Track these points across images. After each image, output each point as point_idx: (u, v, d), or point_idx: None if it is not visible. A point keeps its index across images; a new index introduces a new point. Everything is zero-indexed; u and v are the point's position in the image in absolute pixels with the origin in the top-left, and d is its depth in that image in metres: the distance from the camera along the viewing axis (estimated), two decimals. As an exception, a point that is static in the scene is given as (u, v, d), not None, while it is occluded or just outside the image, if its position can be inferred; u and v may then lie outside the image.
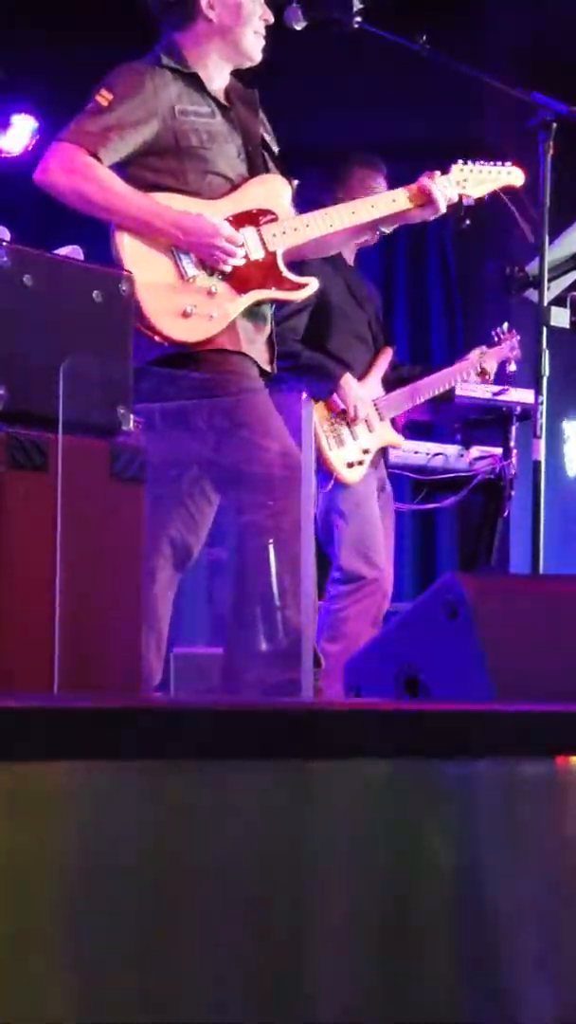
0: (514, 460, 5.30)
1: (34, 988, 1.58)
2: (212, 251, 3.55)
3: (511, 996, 1.87)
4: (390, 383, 4.89)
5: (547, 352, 3.81)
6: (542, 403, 3.80)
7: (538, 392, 3.81)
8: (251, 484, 3.54)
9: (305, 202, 3.90)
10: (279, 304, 4.14)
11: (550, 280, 3.87)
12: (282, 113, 3.89)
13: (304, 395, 3.75)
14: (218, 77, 3.73)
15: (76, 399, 2.88)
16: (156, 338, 3.50)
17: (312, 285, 3.75)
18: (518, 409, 5.31)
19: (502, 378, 5.29)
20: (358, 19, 3.77)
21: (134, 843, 1.73)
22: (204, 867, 1.74)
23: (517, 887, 1.93)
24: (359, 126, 6.56)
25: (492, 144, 5.91)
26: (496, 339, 5.22)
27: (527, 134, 3.88)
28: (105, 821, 1.72)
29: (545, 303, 3.83)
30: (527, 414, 5.09)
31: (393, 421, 4.90)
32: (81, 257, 3.26)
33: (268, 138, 3.81)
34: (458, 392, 5.28)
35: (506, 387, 5.38)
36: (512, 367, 5.18)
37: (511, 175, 4.04)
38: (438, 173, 3.89)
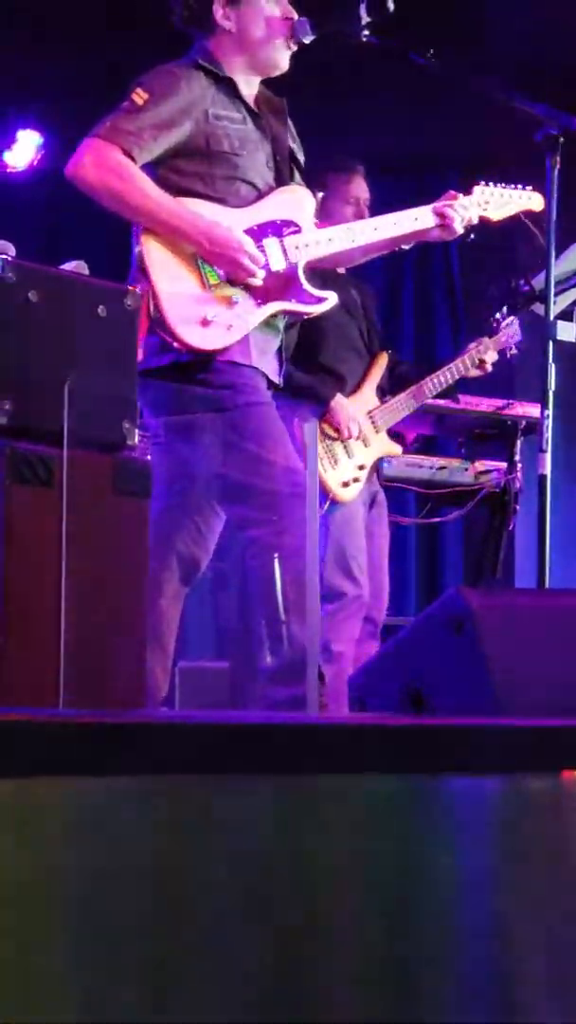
0: (519, 474, 5.29)
1: (40, 1001, 1.58)
2: (234, 266, 3.55)
3: (517, 1011, 1.86)
4: (390, 387, 4.88)
5: (553, 366, 3.80)
6: (548, 417, 3.79)
7: (544, 406, 3.80)
8: (256, 499, 3.53)
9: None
10: None
11: (556, 294, 3.87)
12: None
13: (309, 421, 3.76)
14: (248, 85, 3.74)
15: (81, 414, 2.88)
16: (175, 344, 3.50)
17: (331, 300, 3.75)
18: (523, 423, 5.31)
19: (505, 368, 5.24)
20: (365, 32, 3.78)
21: (139, 858, 1.72)
22: (209, 882, 1.73)
23: (522, 902, 1.92)
24: (364, 140, 6.57)
25: (498, 158, 5.91)
26: (494, 326, 5.15)
27: (534, 148, 3.88)
28: (111, 836, 1.72)
29: (551, 317, 3.82)
30: (532, 428, 5.09)
31: (401, 437, 4.90)
32: (86, 272, 3.26)
33: (295, 147, 3.83)
34: (463, 405, 5.27)
35: (511, 400, 5.38)
36: (513, 351, 5.11)
37: (532, 200, 4.05)
38: (460, 195, 3.90)
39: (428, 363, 5.36)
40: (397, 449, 4.89)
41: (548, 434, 3.78)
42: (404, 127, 6.54)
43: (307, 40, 3.73)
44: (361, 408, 4.74)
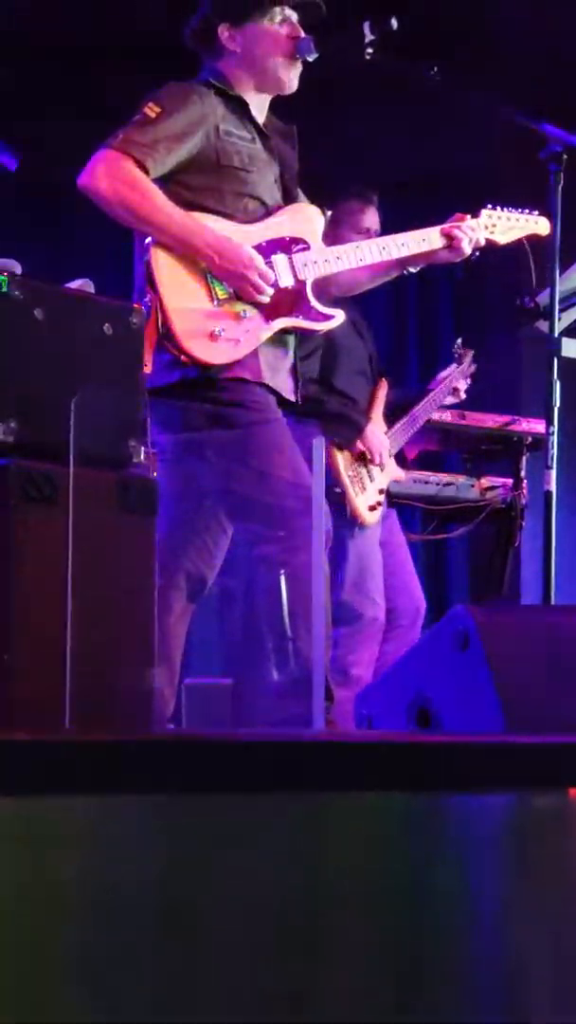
0: (525, 490, 5.30)
1: (46, 1017, 1.58)
2: (243, 282, 3.55)
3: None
4: (389, 413, 4.91)
5: (558, 383, 3.81)
6: (553, 433, 3.80)
7: (549, 422, 3.81)
8: (264, 516, 3.54)
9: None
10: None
11: (561, 311, 3.88)
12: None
13: (317, 438, 3.77)
14: (258, 108, 3.75)
15: (87, 431, 2.88)
16: (182, 358, 3.51)
17: (339, 317, 3.76)
18: (529, 439, 5.31)
19: (510, 384, 5.29)
20: (369, 50, 3.79)
21: (148, 876, 1.72)
22: (217, 899, 1.73)
23: (531, 919, 1.92)
24: (368, 157, 6.58)
25: (501, 175, 5.93)
26: (456, 356, 5.22)
27: (538, 165, 3.89)
28: (118, 854, 1.72)
29: (556, 334, 3.83)
30: (538, 444, 5.10)
31: (402, 455, 4.92)
32: (92, 290, 3.27)
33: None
34: (469, 421, 5.29)
35: (517, 417, 5.39)
36: (463, 385, 5.18)
37: (538, 225, 4.06)
38: (468, 217, 3.91)
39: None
40: (402, 473, 4.92)
41: (553, 450, 3.79)
42: (408, 145, 6.55)
43: (311, 58, 3.74)
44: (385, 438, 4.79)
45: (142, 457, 3.07)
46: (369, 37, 3.76)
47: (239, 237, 3.60)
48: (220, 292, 3.56)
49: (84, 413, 2.89)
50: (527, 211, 4.05)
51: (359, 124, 6.45)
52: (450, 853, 1.93)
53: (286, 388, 3.70)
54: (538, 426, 5.09)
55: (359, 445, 4.66)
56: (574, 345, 3.91)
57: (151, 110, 3.58)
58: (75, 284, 3.23)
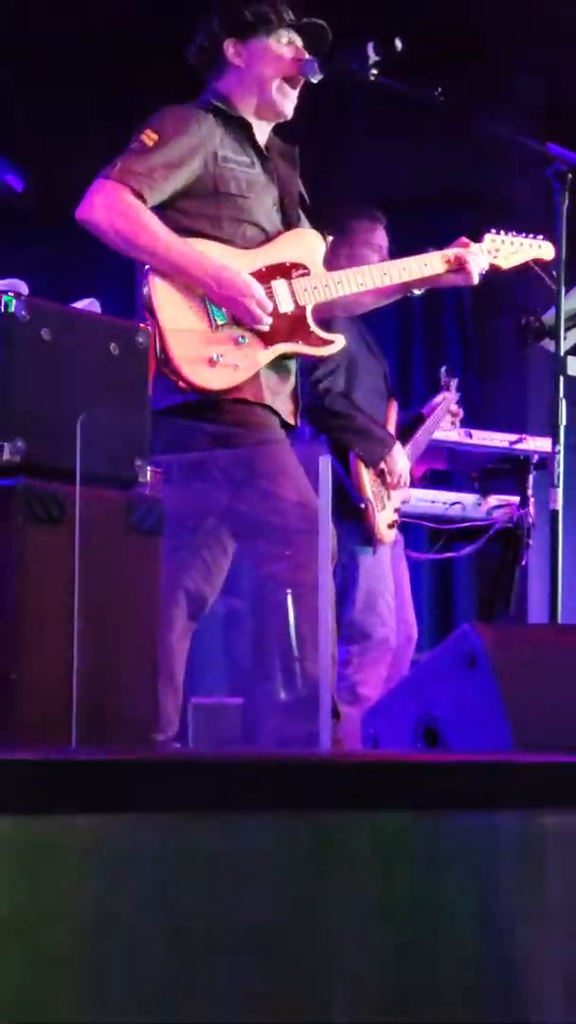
0: (532, 509, 5.30)
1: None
2: (241, 310, 3.55)
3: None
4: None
5: (564, 401, 3.81)
6: (559, 452, 3.80)
7: (555, 441, 3.81)
8: (269, 535, 3.54)
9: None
10: (316, 363, 4.18)
11: (566, 330, 3.88)
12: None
13: (324, 456, 3.77)
14: (258, 129, 3.76)
15: (93, 451, 2.89)
16: (180, 384, 3.51)
17: (338, 342, 3.76)
18: (535, 458, 5.32)
19: (517, 403, 5.30)
20: (374, 72, 3.80)
21: (153, 895, 1.72)
22: (223, 919, 1.73)
23: (540, 939, 1.92)
24: (374, 178, 6.59)
25: (507, 195, 5.94)
26: (444, 384, 5.23)
27: (543, 184, 3.89)
28: (123, 874, 1.72)
29: (561, 353, 3.84)
30: (544, 463, 5.10)
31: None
32: (98, 310, 3.27)
33: (303, 194, 3.84)
34: (475, 440, 5.29)
35: (523, 436, 5.39)
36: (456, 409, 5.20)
37: (542, 249, 4.06)
38: (469, 242, 3.91)
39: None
40: (409, 495, 4.93)
41: (559, 469, 3.79)
42: (413, 164, 6.57)
43: (315, 80, 3.75)
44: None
45: (148, 477, 3.07)
46: (374, 58, 3.78)
47: (238, 263, 3.61)
48: (218, 318, 3.56)
49: (90, 433, 2.89)
50: (531, 235, 4.05)
51: (364, 144, 6.46)
52: (458, 873, 1.92)
53: (286, 411, 3.70)
54: (544, 445, 5.10)
55: (381, 464, 4.66)
56: (580, 364, 3.91)
57: (148, 138, 3.58)
58: (81, 304, 3.23)
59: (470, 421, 5.38)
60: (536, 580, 5.83)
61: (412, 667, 4.68)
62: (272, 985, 1.72)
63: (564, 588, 3.74)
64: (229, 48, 3.73)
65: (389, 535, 4.69)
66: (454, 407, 5.15)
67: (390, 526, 4.70)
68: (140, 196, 3.54)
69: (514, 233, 4.02)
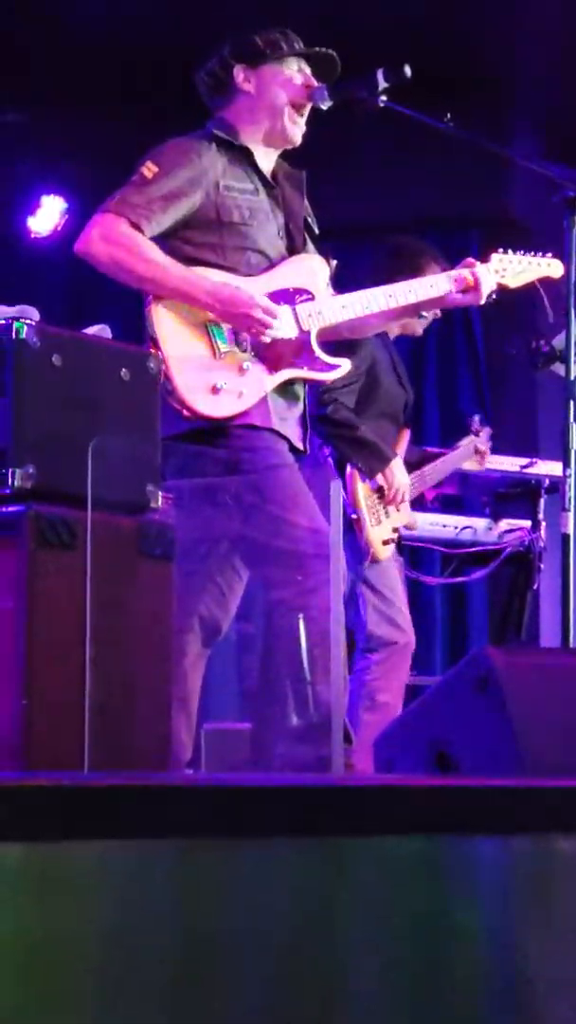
0: (543, 533, 5.29)
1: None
2: (249, 321, 3.56)
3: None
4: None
5: (574, 426, 3.81)
6: (571, 476, 3.79)
7: (567, 465, 3.80)
8: (281, 561, 3.53)
9: (359, 283, 3.90)
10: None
11: (577, 354, 3.88)
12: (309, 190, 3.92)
13: (334, 480, 3.78)
14: (264, 157, 3.77)
15: (105, 477, 2.89)
16: (184, 412, 3.51)
17: (344, 367, 3.76)
18: (547, 482, 5.32)
19: (528, 427, 5.32)
20: (383, 98, 3.81)
21: (166, 922, 1.72)
22: (236, 945, 1.73)
23: (552, 964, 1.91)
24: (384, 204, 6.62)
25: (518, 220, 5.96)
26: (474, 431, 5.23)
27: (552, 209, 3.90)
28: (136, 900, 1.71)
29: (572, 377, 3.83)
30: (556, 487, 5.10)
31: (421, 495, 4.93)
32: (109, 336, 3.28)
33: (310, 219, 3.85)
34: (487, 465, 5.30)
35: (534, 460, 5.39)
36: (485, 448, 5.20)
37: (551, 267, 4.04)
38: (476, 262, 3.91)
39: (450, 427, 5.41)
40: (416, 521, 4.93)
41: (571, 492, 3.78)
42: (424, 190, 6.59)
43: (325, 106, 3.76)
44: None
45: (159, 502, 3.07)
46: (383, 85, 3.79)
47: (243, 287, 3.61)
48: (222, 345, 3.56)
49: (101, 458, 2.90)
50: (538, 254, 4.05)
51: (373, 169, 6.49)
52: (470, 898, 1.92)
53: (295, 436, 3.70)
54: (556, 469, 5.09)
55: (379, 480, 4.66)
56: (591, 387, 3.90)
57: (148, 170, 3.59)
58: (92, 330, 3.24)
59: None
60: (548, 604, 5.83)
61: (424, 691, 4.69)
62: (284, 1011, 1.72)
63: (576, 612, 3.73)
64: (239, 74, 3.75)
65: (384, 551, 4.67)
66: (482, 446, 5.15)
67: (385, 542, 4.68)
68: (137, 227, 3.55)
69: (521, 252, 4.01)
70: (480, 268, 3.89)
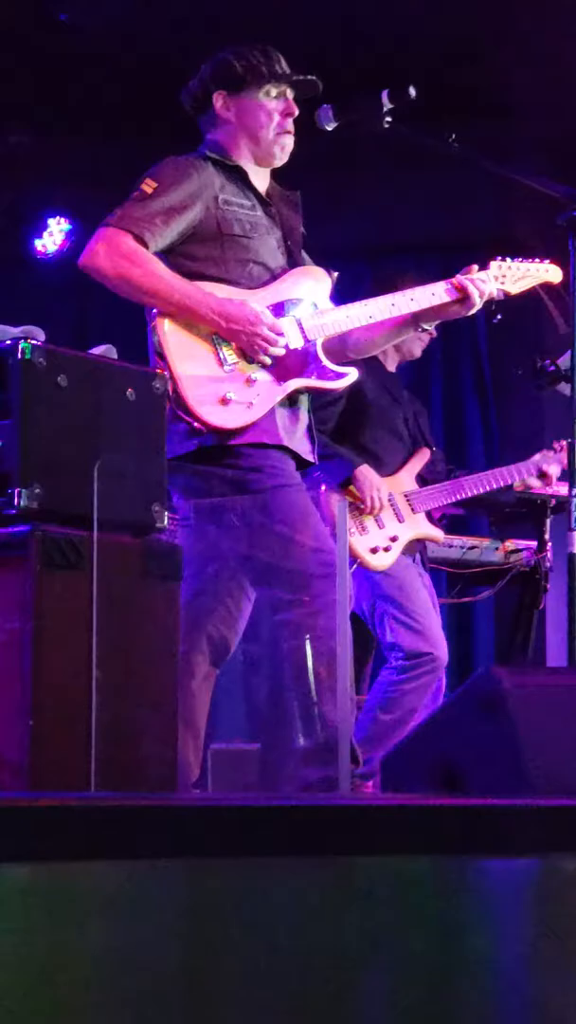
0: (549, 553, 5.29)
1: None
2: (253, 339, 3.56)
3: None
4: (427, 482, 4.93)
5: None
6: (576, 495, 3.79)
7: (572, 484, 3.80)
8: (287, 581, 3.53)
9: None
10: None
11: (582, 373, 3.87)
12: (313, 211, 3.93)
13: (339, 496, 3.77)
14: (257, 175, 3.78)
15: (111, 497, 2.90)
16: (195, 424, 3.51)
17: (352, 375, 3.76)
18: (553, 502, 5.31)
19: (534, 446, 5.31)
20: (388, 119, 3.82)
21: (174, 941, 1.72)
22: (243, 964, 1.72)
23: (560, 983, 1.90)
24: (387, 223, 6.63)
25: (522, 240, 5.96)
26: (556, 449, 5.20)
27: (556, 230, 3.90)
28: (144, 920, 1.71)
29: (577, 396, 3.83)
30: (562, 506, 5.09)
31: (430, 515, 4.92)
32: (115, 356, 3.29)
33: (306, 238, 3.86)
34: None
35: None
36: (555, 471, 5.16)
37: (549, 272, 4.05)
38: (476, 268, 3.91)
39: (457, 447, 5.41)
40: (438, 535, 4.91)
41: (577, 512, 3.78)
42: (428, 211, 6.60)
43: (329, 127, 3.77)
44: (396, 487, 4.78)
45: (165, 522, 3.07)
46: (388, 106, 3.80)
47: (247, 301, 3.62)
48: (229, 357, 3.58)
49: (107, 478, 2.90)
50: (537, 260, 4.05)
51: (379, 189, 6.50)
52: (477, 917, 1.92)
53: (304, 450, 3.71)
54: (561, 488, 5.09)
55: (353, 489, 4.66)
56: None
57: (148, 186, 3.61)
58: (98, 350, 3.25)
59: (487, 465, 5.38)
60: (554, 624, 5.82)
61: (432, 710, 4.68)
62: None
63: (582, 631, 3.72)
64: (219, 100, 3.76)
65: (374, 559, 4.65)
66: (552, 468, 5.08)
67: (374, 550, 4.65)
68: (142, 241, 3.56)
69: (520, 259, 4.02)
70: (480, 274, 3.89)
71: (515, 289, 4.00)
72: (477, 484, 5.00)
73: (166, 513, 3.08)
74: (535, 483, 5.13)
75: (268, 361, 3.59)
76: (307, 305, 3.71)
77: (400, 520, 4.74)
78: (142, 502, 3.04)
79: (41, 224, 6.79)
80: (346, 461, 4.67)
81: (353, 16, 5.79)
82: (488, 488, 5.02)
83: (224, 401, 3.53)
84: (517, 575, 5.34)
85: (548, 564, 5.31)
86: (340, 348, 3.79)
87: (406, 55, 5.69)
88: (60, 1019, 1.61)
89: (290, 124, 3.75)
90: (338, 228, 3.92)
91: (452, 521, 5.50)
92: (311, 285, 3.76)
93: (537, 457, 5.13)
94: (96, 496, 2.87)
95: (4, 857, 1.67)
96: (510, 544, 5.40)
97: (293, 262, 3.78)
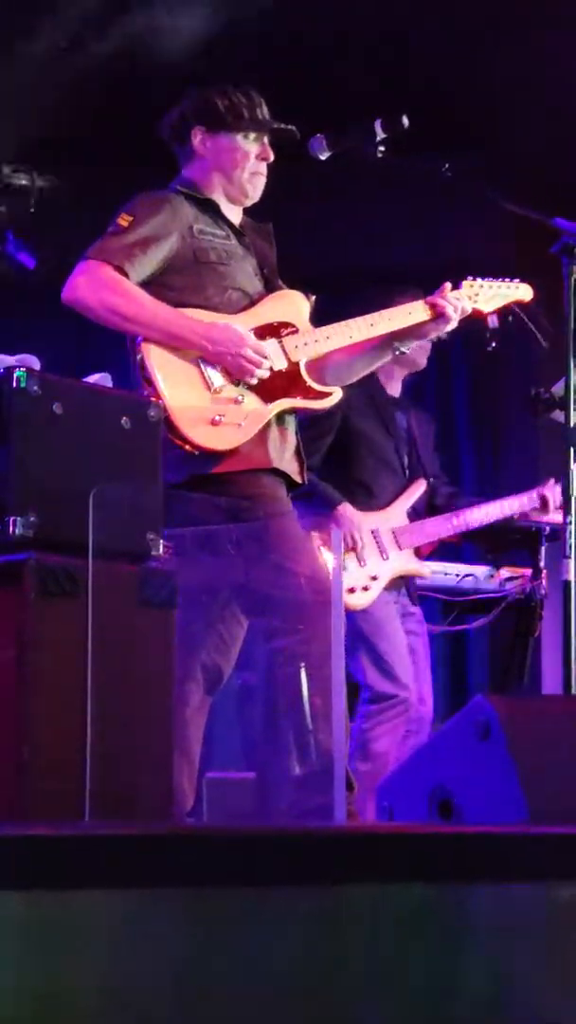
0: (544, 580, 5.29)
1: None
2: (239, 361, 3.59)
3: None
4: (423, 513, 4.93)
5: (574, 473, 3.82)
6: (571, 523, 3.80)
7: (567, 512, 3.81)
8: (281, 609, 3.54)
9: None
10: (302, 427, 4.21)
11: (576, 402, 3.89)
12: (303, 239, 3.95)
13: (336, 529, 3.78)
14: (229, 209, 3.82)
15: (106, 525, 2.90)
16: (186, 447, 3.52)
17: (336, 394, 3.79)
18: (547, 529, 5.32)
19: (530, 475, 5.30)
20: (381, 148, 3.84)
21: (169, 970, 1.71)
22: (239, 993, 1.72)
23: (555, 1011, 1.90)
24: (377, 251, 6.65)
25: (515, 269, 5.98)
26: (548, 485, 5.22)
27: (551, 259, 3.92)
28: (138, 949, 1.71)
29: (571, 424, 3.85)
30: (556, 534, 5.10)
31: (418, 549, 4.93)
32: (110, 384, 3.30)
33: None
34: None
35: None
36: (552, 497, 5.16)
37: (519, 290, 4.12)
38: (449, 286, 3.95)
39: (450, 476, 5.42)
40: (423, 570, 4.92)
41: (572, 540, 3.79)
42: (421, 238, 6.62)
43: (323, 157, 3.80)
44: (384, 523, 4.79)
45: (160, 550, 3.08)
46: (381, 135, 3.82)
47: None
48: (215, 379, 3.60)
49: (102, 506, 2.90)
50: (507, 279, 4.10)
51: (372, 218, 6.52)
52: (474, 945, 1.91)
53: (293, 470, 3.73)
54: (556, 515, 5.09)
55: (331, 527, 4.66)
56: (590, 435, 3.92)
57: (124, 220, 3.65)
58: (93, 379, 3.26)
59: (481, 492, 5.39)
60: (549, 651, 5.82)
61: (426, 738, 4.68)
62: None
63: (578, 659, 3.73)
64: (197, 135, 3.80)
65: (353, 599, 4.64)
66: (550, 494, 5.09)
67: (351, 590, 4.65)
68: (122, 271, 3.59)
69: (491, 278, 4.06)
70: (454, 292, 3.93)
71: (488, 307, 4.05)
72: (473, 518, 5.01)
73: (161, 541, 3.08)
74: (534, 513, 5.14)
75: (254, 382, 3.61)
76: (288, 327, 3.74)
77: (384, 557, 4.75)
78: (137, 530, 3.04)
79: (36, 254, 6.81)
80: (327, 498, 4.68)
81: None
82: (484, 523, 5.03)
83: (214, 423, 3.55)
84: (512, 603, 5.34)
85: (543, 592, 5.31)
86: (320, 376, 3.81)
87: (397, 86, 5.71)
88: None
89: (264, 167, 3.80)
90: (318, 254, 3.93)
91: (446, 549, 5.51)
92: (291, 308, 3.79)
93: (537, 489, 5.14)
94: (91, 524, 2.87)
95: (-2, 886, 1.67)
96: (505, 572, 5.40)
97: (270, 288, 3.81)
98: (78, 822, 2.70)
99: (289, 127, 3.80)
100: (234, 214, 3.84)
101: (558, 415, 4.01)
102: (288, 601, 3.53)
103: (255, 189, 3.81)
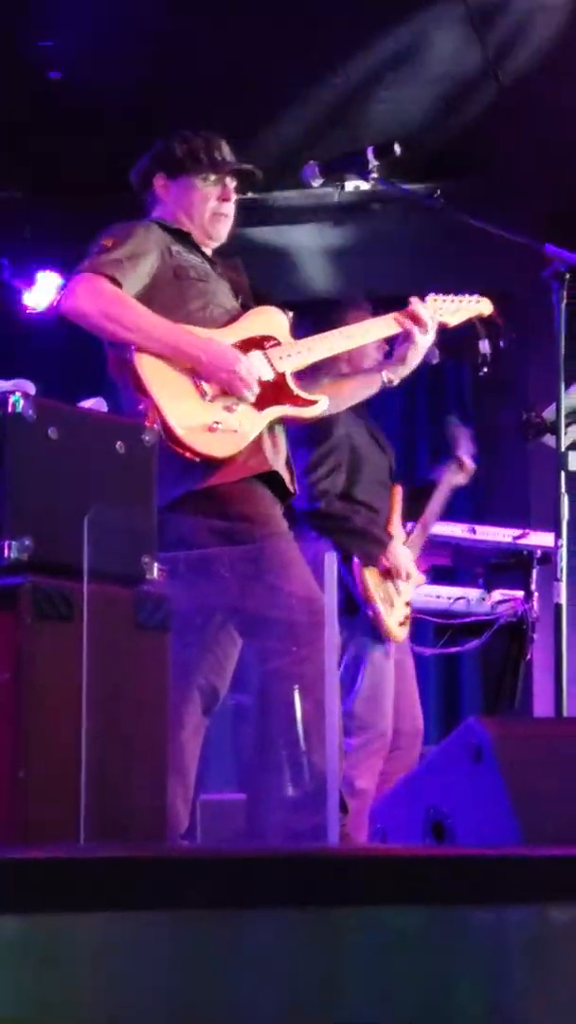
0: (536, 603, 5.31)
1: None
2: (232, 378, 3.62)
3: None
4: (408, 512, 4.97)
5: (566, 496, 3.84)
6: (562, 546, 3.82)
7: (558, 535, 3.83)
8: (276, 630, 3.55)
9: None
10: (316, 464, 4.28)
11: (567, 425, 3.92)
12: (297, 265, 3.98)
13: (330, 552, 3.81)
14: (200, 243, 3.87)
15: (101, 549, 2.91)
16: (187, 454, 3.54)
17: (323, 402, 3.82)
18: (539, 552, 5.34)
19: (521, 499, 5.32)
20: (374, 176, 3.87)
21: (163, 993, 1.72)
22: (233, 1016, 1.73)
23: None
24: (370, 276, 6.67)
25: (506, 294, 6.01)
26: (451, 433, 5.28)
27: (541, 284, 3.95)
28: (133, 972, 1.71)
29: (562, 448, 3.87)
30: (548, 557, 5.12)
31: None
32: (105, 409, 3.31)
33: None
34: (480, 536, 5.32)
35: (526, 531, 5.42)
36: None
37: (480, 304, 4.20)
38: (416, 300, 4.00)
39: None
40: (422, 577, 4.95)
41: (563, 563, 3.81)
42: (413, 264, 6.65)
43: (315, 184, 3.83)
44: (400, 542, 4.83)
45: (155, 574, 3.09)
46: (373, 163, 3.85)
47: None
48: (208, 387, 3.63)
49: (97, 530, 2.91)
50: (468, 294, 4.16)
51: (362, 240, 6.55)
52: (468, 968, 1.92)
53: (287, 478, 3.77)
54: (547, 539, 5.12)
55: (384, 561, 4.71)
56: (581, 459, 3.94)
57: (107, 241, 3.71)
58: (88, 403, 3.27)
59: (473, 516, 5.41)
60: (541, 674, 5.83)
61: (419, 761, 4.68)
62: None
63: (569, 681, 3.74)
64: (158, 181, 3.89)
65: (401, 632, 4.74)
66: (464, 457, 5.17)
67: (401, 624, 4.73)
68: (116, 283, 3.63)
69: (453, 294, 4.13)
70: (421, 306, 3.98)
71: (453, 320, 4.12)
72: (432, 515, 5.05)
73: (156, 564, 3.09)
74: (460, 478, 5.19)
75: (251, 398, 3.64)
76: (271, 340, 3.78)
77: (407, 579, 4.79)
78: (132, 553, 3.05)
79: (31, 279, 6.83)
80: (377, 538, 4.72)
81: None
82: (438, 514, 5.07)
83: (212, 429, 3.58)
84: (504, 626, 5.36)
85: (535, 615, 5.33)
86: (309, 372, 3.86)
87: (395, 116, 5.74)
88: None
89: (227, 208, 3.85)
90: (318, 281, 3.96)
91: (438, 572, 5.53)
92: (271, 322, 3.84)
93: (448, 473, 5.19)
94: (87, 548, 2.89)
95: (-6, 908, 1.67)
96: (497, 595, 5.42)
97: (245, 307, 3.85)
98: (73, 844, 2.71)
99: (248, 167, 3.86)
100: (205, 249, 3.90)
101: (549, 439, 4.04)
102: (283, 623, 3.54)
103: (217, 230, 3.88)
